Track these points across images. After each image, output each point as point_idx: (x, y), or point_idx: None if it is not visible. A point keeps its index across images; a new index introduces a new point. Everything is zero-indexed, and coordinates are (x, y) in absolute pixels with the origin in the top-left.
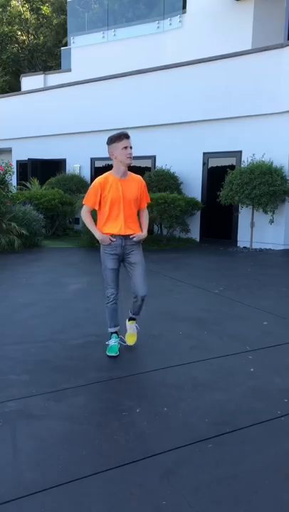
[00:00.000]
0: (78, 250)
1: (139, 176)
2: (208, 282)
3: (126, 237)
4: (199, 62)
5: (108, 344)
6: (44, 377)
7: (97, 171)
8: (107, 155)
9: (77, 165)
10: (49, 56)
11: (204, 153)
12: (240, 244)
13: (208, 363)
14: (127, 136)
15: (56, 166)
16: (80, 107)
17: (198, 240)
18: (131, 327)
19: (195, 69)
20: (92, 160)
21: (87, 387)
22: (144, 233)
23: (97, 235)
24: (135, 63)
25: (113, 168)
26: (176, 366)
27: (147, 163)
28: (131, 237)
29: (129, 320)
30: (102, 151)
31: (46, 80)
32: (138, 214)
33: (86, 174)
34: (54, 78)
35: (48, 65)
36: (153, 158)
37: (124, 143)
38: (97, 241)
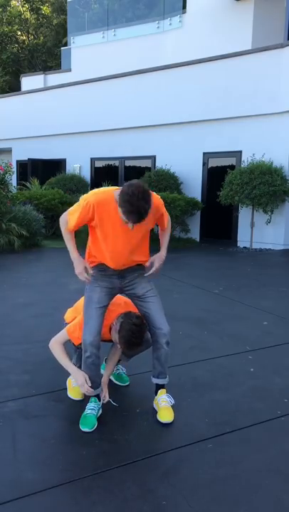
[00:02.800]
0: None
1: (154, 196)
2: (208, 282)
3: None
4: (199, 62)
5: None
6: (44, 377)
7: (96, 171)
8: (107, 155)
9: (77, 165)
10: (49, 56)
11: (204, 153)
12: (240, 244)
13: (208, 363)
14: (136, 221)
15: (56, 166)
16: (80, 106)
17: (198, 239)
18: (163, 399)
19: (195, 69)
20: (92, 160)
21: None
22: (161, 255)
23: (73, 256)
24: (135, 63)
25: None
26: (176, 366)
27: (147, 163)
28: (146, 275)
29: (156, 391)
30: (102, 151)
31: (46, 80)
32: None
33: (86, 174)
34: (54, 78)
35: (48, 65)
36: (153, 158)
37: (129, 223)
38: None
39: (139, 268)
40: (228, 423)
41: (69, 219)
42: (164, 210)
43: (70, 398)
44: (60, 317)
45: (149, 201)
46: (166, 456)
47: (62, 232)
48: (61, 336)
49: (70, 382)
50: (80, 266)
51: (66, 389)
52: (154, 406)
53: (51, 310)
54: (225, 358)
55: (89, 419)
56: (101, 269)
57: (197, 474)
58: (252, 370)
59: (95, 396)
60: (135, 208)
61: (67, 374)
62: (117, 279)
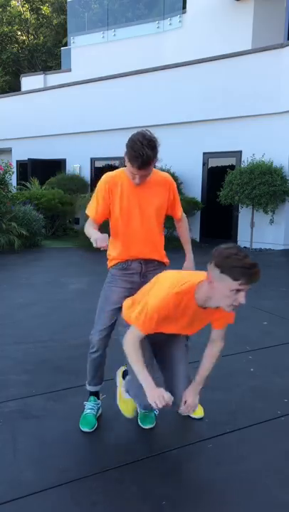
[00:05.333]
0: (78, 250)
1: (165, 174)
2: None
3: (148, 260)
4: (199, 63)
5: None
6: (44, 378)
7: (97, 172)
8: (107, 155)
9: (77, 165)
10: (49, 56)
11: (204, 153)
12: (240, 244)
13: None
14: (139, 166)
15: (56, 166)
16: (80, 107)
17: (198, 239)
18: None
19: (195, 69)
20: (92, 160)
21: (85, 387)
22: (189, 259)
23: (94, 236)
24: (135, 63)
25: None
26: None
27: None
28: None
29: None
30: (102, 150)
31: (46, 80)
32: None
33: (86, 174)
34: (54, 78)
35: (48, 65)
36: None
37: (133, 170)
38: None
39: (160, 268)
40: (228, 423)
41: (87, 212)
42: (177, 195)
43: (69, 398)
44: (60, 317)
45: (154, 148)
46: (166, 456)
47: (86, 233)
48: (131, 333)
49: (121, 392)
50: (101, 237)
51: (67, 389)
52: None
53: (51, 310)
54: (225, 358)
55: (89, 419)
56: (122, 267)
57: (197, 474)
58: (252, 370)
59: (94, 395)
60: (137, 153)
61: (67, 373)
62: (139, 277)
